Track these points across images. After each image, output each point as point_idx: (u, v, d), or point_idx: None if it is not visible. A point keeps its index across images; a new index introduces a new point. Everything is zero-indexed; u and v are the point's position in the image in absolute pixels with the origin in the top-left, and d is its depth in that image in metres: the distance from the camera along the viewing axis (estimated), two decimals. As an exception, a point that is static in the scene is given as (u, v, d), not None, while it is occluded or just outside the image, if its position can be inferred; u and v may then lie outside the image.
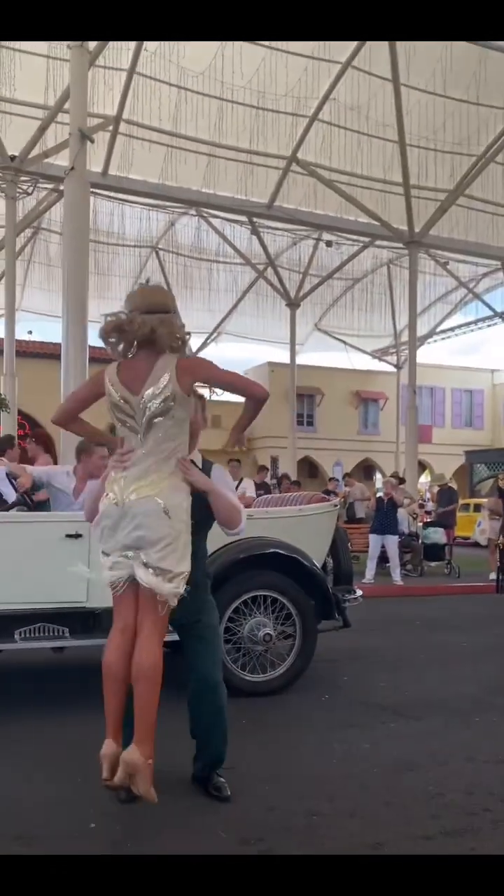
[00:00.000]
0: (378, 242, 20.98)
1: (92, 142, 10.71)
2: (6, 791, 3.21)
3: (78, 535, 4.49)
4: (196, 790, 3.23)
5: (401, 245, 19.07)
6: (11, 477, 5.01)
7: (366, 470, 32.08)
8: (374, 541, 11.06)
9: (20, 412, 17.14)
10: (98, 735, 3.93)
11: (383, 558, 11.26)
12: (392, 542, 11.00)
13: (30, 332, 27.64)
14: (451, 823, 2.96)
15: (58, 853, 2.66)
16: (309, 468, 30.22)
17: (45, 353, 23.92)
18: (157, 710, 2.91)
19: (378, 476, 30.89)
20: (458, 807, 3.12)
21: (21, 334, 22.35)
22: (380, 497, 11.39)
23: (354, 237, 20.76)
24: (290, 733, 3.98)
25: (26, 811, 3.00)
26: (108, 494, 2.98)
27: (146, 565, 2.89)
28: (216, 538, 4.87)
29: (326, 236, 20.99)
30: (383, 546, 11.05)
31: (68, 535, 4.49)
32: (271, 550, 4.85)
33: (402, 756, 3.74)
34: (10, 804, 3.07)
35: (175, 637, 4.67)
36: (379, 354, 29.98)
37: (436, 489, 15.40)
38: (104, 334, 3.09)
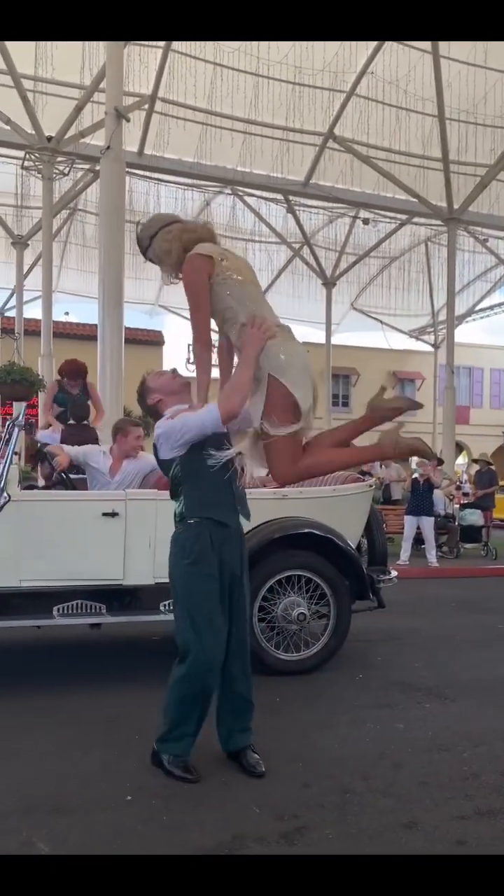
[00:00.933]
0: (416, 220, 20.62)
1: (128, 121, 10.67)
2: (45, 765, 3.28)
3: (114, 514, 4.55)
4: (232, 767, 3.27)
5: (439, 222, 18.72)
6: (50, 456, 5.08)
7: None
8: (410, 522, 11.02)
9: (58, 393, 17.31)
10: (134, 711, 4.01)
11: (419, 540, 11.20)
12: (428, 523, 10.94)
13: (66, 314, 27.90)
14: (485, 804, 2.95)
15: (93, 825, 2.72)
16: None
17: (82, 334, 24.14)
18: None
19: (414, 457, 30.60)
20: (492, 787, 3.12)
21: (58, 315, 22.57)
22: (416, 478, 11.29)
23: (392, 214, 20.42)
24: (323, 712, 3.99)
25: (64, 784, 3.07)
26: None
27: None
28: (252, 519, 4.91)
29: (363, 214, 20.70)
30: (419, 528, 11.00)
31: (105, 514, 4.54)
32: (306, 530, 4.85)
33: (436, 736, 3.74)
34: (48, 777, 3.14)
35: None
36: (416, 334, 29.58)
37: (474, 470, 15.22)
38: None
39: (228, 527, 3.18)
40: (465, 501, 13.93)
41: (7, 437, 4.65)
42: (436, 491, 11.46)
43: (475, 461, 16.17)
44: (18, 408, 10.32)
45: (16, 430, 4.58)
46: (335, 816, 2.83)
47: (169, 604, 4.66)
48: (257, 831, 2.69)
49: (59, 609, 4.44)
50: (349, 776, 3.21)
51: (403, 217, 20.46)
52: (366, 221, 20.90)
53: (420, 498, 11.00)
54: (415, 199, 17.35)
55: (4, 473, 4.45)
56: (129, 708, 4.06)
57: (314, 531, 4.83)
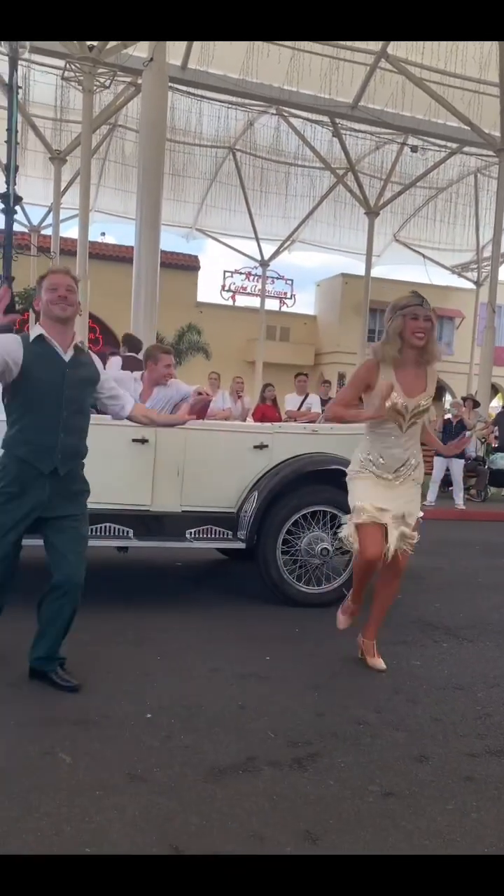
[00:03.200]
0: (466, 149, 19.79)
1: (172, 32, 10.27)
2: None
3: (144, 441, 4.56)
4: (248, 692, 3.35)
5: (491, 152, 17.93)
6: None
7: (435, 391, 31.39)
8: (439, 463, 10.91)
9: (91, 316, 17.26)
10: (156, 635, 4.11)
11: (446, 482, 11.12)
12: (458, 465, 10.82)
13: (103, 234, 27.54)
14: (496, 743, 3.00)
15: (113, 738, 2.82)
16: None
17: (118, 256, 23.86)
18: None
19: (448, 397, 30.27)
20: (504, 728, 3.17)
21: (94, 236, 22.29)
22: (448, 419, 11.16)
23: (442, 142, 19.64)
24: (340, 645, 4.06)
25: (87, 700, 3.17)
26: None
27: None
28: (279, 452, 4.91)
29: (412, 141, 19.90)
30: (447, 469, 10.90)
31: (135, 440, 4.56)
32: (334, 466, 4.83)
33: (452, 675, 3.79)
34: (71, 693, 3.24)
35: (238, 545, 4.79)
36: (458, 270, 28.76)
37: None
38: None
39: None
40: (497, 445, 13.75)
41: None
42: (467, 433, 11.33)
43: None
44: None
45: None
46: (347, 746, 2.90)
47: (196, 532, 4.73)
48: (271, 755, 2.77)
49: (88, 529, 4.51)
50: (363, 708, 3.28)
51: (453, 146, 19.68)
52: (414, 149, 20.14)
53: (451, 439, 10.88)
54: (467, 127, 16.62)
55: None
56: (152, 631, 4.16)
57: (342, 468, 4.80)
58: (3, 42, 10.89)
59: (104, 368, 4.93)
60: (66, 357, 3.20)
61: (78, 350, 3.27)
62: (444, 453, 4.49)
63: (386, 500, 3.64)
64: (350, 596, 3.98)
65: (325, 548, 4.80)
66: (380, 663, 3.80)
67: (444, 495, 11.20)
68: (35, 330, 3.22)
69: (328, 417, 3.80)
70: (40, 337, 3.17)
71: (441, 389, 31.49)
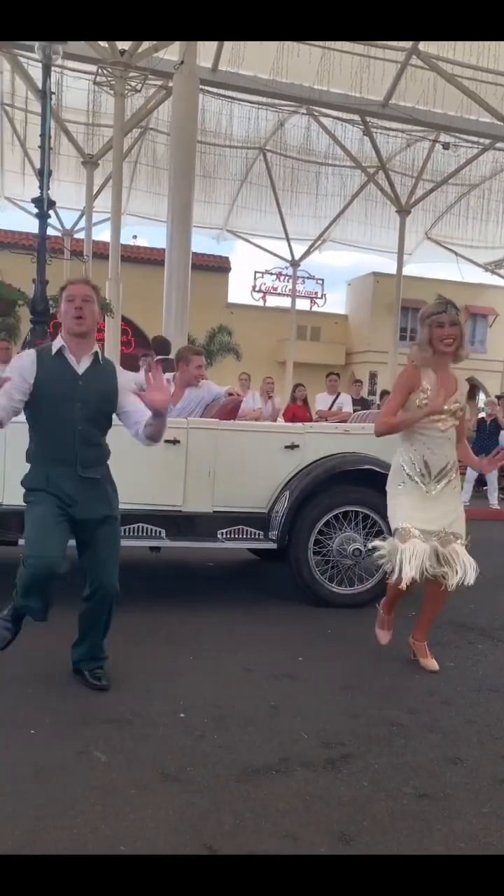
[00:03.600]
0: (499, 145, 19.54)
1: (201, 34, 10.31)
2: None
3: (176, 442, 4.59)
4: (280, 692, 3.35)
5: (525, 148, 17.72)
6: None
7: (469, 389, 31.08)
8: (473, 462, 10.81)
9: (123, 319, 17.39)
10: (188, 634, 4.13)
11: (480, 481, 11.01)
12: None
13: (134, 237, 27.73)
14: (532, 747, 2.96)
15: (147, 737, 2.84)
16: (410, 384, 29.51)
17: (150, 258, 24.03)
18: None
19: (482, 396, 29.92)
20: (541, 732, 3.12)
21: (126, 239, 22.46)
22: (482, 417, 11.04)
23: (474, 139, 19.41)
24: (373, 647, 4.04)
25: (120, 699, 3.20)
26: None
27: None
28: (310, 452, 4.89)
29: (444, 138, 19.72)
30: None
31: (167, 441, 4.59)
32: (366, 467, 4.81)
33: (486, 677, 3.74)
34: (104, 693, 3.27)
35: (270, 546, 4.79)
36: (492, 267, 28.40)
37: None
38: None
39: None
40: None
41: None
42: (502, 432, 11.20)
43: None
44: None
45: None
46: (381, 747, 2.88)
47: (227, 532, 4.74)
48: (304, 756, 2.77)
49: (122, 531, 4.55)
50: (397, 710, 3.26)
51: (486, 142, 19.44)
52: (446, 146, 19.95)
53: (486, 438, 10.78)
54: (500, 122, 16.40)
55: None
56: (184, 631, 4.18)
57: (374, 468, 4.79)
58: (36, 48, 11.02)
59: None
60: (81, 369, 3.22)
61: (96, 361, 3.26)
62: (480, 470, 4.43)
63: (430, 520, 3.63)
64: (382, 608, 3.97)
65: (358, 548, 4.78)
66: (432, 664, 3.78)
67: (477, 495, 11.07)
68: (56, 343, 3.25)
69: (381, 431, 3.73)
70: (59, 350, 3.21)
71: (475, 388, 31.16)
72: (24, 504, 3.26)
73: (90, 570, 3.26)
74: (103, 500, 3.29)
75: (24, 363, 3.20)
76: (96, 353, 3.29)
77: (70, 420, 3.19)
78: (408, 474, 3.69)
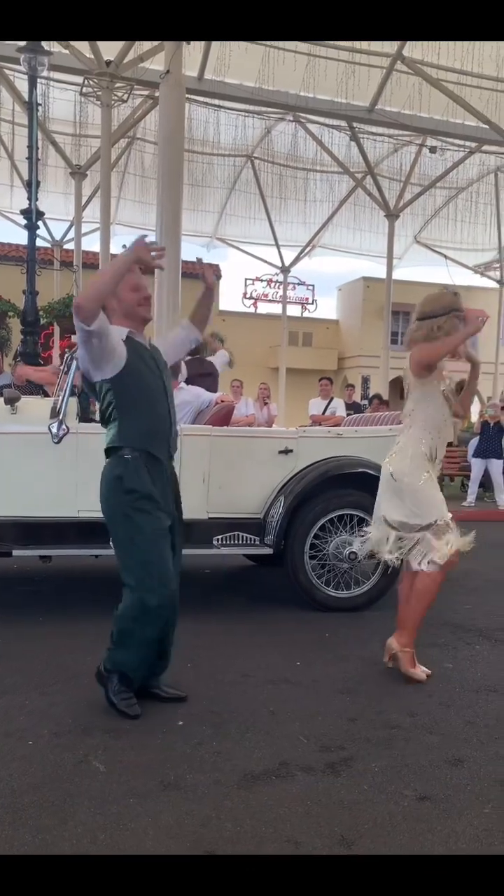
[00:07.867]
0: (486, 148, 19.65)
1: (188, 42, 10.34)
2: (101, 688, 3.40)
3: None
4: (279, 697, 3.34)
5: (511, 150, 17.82)
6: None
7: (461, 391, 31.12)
8: (477, 464, 10.93)
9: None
10: (184, 641, 4.11)
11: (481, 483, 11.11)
12: (496, 466, 10.82)
13: (124, 246, 27.68)
14: (532, 747, 2.96)
15: (145, 745, 2.83)
16: (402, 389, 29.62)
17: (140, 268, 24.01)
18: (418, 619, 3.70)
19: (483, 397, 29.98)
20: (540, 731, 3.12)
21: (115, 248, 22.45)
22: (486, 420, 11.11)
23: (461, 142, 19.49)
24: (371, 649, 4.03)
25: (119, 705, 3.18)
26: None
27: None
28: (304, 456, 4.90)
29: (430, 142, 19.81)
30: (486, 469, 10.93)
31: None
32: (360, 470, 4.82)
33: (485, 677, 3.74)
34: (104, 700, 3.25)
35: (266, 551, 4.79)
36: (481, 270, 28.54)
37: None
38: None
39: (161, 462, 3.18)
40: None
41: (66, 369, 4.69)
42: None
43: None
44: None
45: (74, 362, 4.61)
46: (381, 750, 2.88)
47: (223, 538, 4.73)
48: (303, 760, 2.76)
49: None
50: (396, 712, 3.25)
51: (473, 145, 19.52)
52: (433, 150, 20.02)
53: (489, 440, 10.84)
54: (486, 126, 16.50)
55: (64, 406, 4.51)
56: (180, 637, 4.16)
57: (368, 471, 4.79)
58: (21, 60, 11.04)
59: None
60: (150, 349, 3.26)
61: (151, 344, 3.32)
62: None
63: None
64: (413, 629, 3.74)
65: (353, 552, 4.78)
66: (418, 674, 3.73)
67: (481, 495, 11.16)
68: (121, 332, 3.16)
69: (439, 356, 3.69)
70: (129, 335, 3.17)
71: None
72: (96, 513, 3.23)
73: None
74: (175, 497, 3.36)
75: (119, 338, 3.10)
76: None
77: (163, 396, 3.19)
78: (427, 465, 3.65)
